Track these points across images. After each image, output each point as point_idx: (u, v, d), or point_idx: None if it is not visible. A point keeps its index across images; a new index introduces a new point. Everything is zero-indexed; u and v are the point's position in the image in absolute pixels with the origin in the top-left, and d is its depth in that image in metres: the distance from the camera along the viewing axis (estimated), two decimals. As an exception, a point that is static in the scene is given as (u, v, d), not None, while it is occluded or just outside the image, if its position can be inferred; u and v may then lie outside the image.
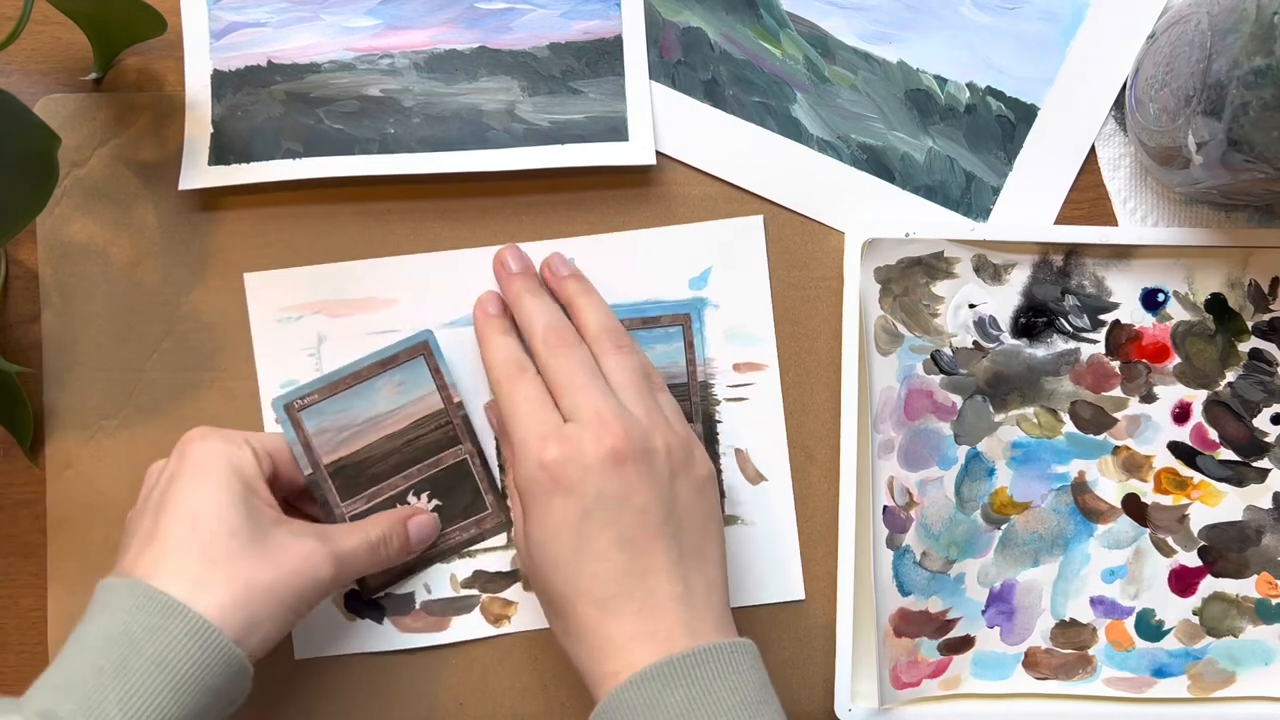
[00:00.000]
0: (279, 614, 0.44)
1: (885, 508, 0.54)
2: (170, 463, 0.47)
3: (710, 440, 0.54)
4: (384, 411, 0.52)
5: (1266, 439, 0.55)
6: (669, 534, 0.44)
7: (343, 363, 0.53)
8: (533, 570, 0.45)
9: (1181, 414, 0.55)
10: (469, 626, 0.54)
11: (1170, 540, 0.55)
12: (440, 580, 0.54)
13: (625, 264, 0.54)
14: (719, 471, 0.54)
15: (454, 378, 0.53)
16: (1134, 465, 0.55)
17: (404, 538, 0.50)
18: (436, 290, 0.54)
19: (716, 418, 0.54)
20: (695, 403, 0.54)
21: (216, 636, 0.41)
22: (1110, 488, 0.55)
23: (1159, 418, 0.55)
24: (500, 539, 0.54)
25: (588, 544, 0.43)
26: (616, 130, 0.54)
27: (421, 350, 0.53)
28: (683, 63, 0.55)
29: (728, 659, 0.42)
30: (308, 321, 0.54)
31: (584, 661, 0.43)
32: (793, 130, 0.55)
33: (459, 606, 0.54)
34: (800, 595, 0.54)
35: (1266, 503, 0.55)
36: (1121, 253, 0.55)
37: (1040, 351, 0.55)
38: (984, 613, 0.55)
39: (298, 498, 0.52)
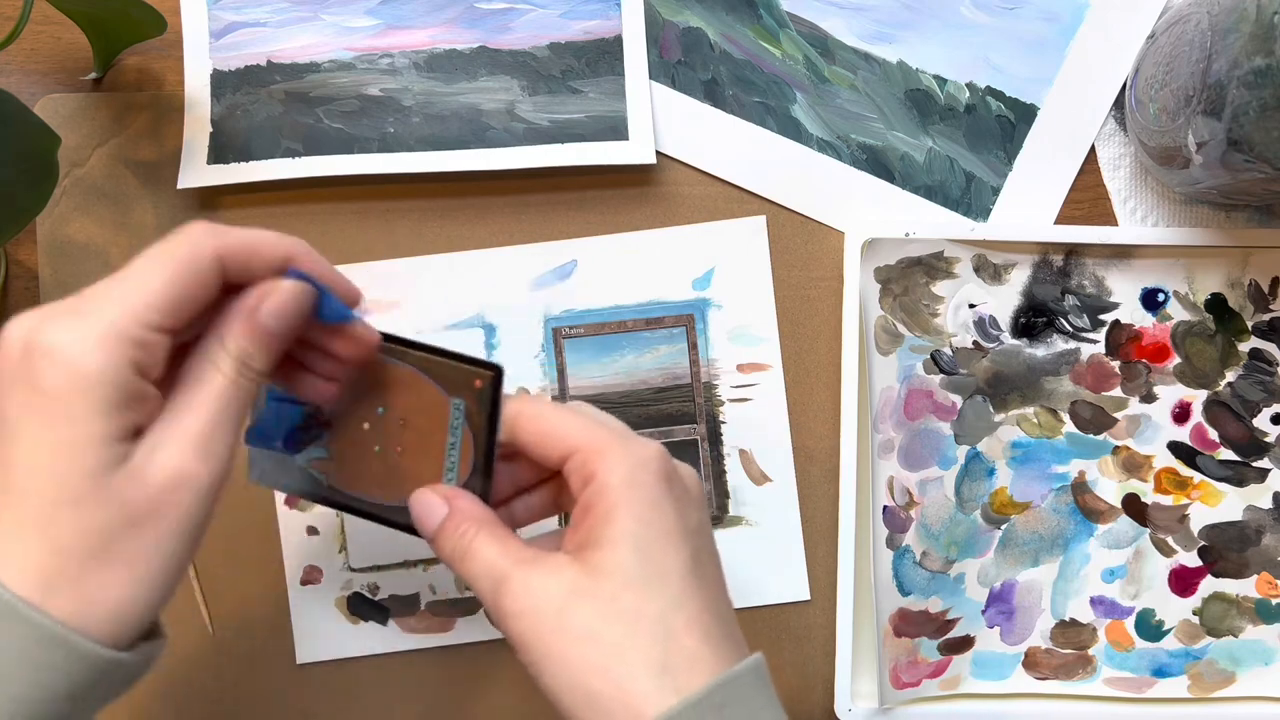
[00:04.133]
0: (161, 573, 0.33)
1: (885, 508, 0.54)
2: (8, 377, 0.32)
3: (715, 441, 0.54)
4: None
5: (1266, 439, 0.55)
6: None
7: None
8: None
9: (1181, 414, 0.55)
10: (473, 628, 0.54)
11: (1170, 540, 0.55)
12: (445, 581, 0.54)
13: (628, 265, 0.54)
14: (724, 473, 0.54)
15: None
16: (1134, 465, 0.55)
17: (259, 333, 0.35)
18: (439, 292, 0.54)
19: (720, 419, 0.54)
20: (699, 404, 0.54)
21: (75, 644, 0.31)
22: (1110, 488, 0.55)
23: (1159, 418, 0.55)
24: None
25: None
26: (616, 130, 0.54)
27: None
28: (683, 63, 0.55)
29: None
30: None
31: None
32: (793, 130, 0.55)
33: (464, 608, 0.54)
34: (805, 596, 0.54)
35: (1266, 503, 0.55)
36: (1121, 253, 0.55)
37: (1040, 351, 0.55)
38: (984, 613, 0.55)
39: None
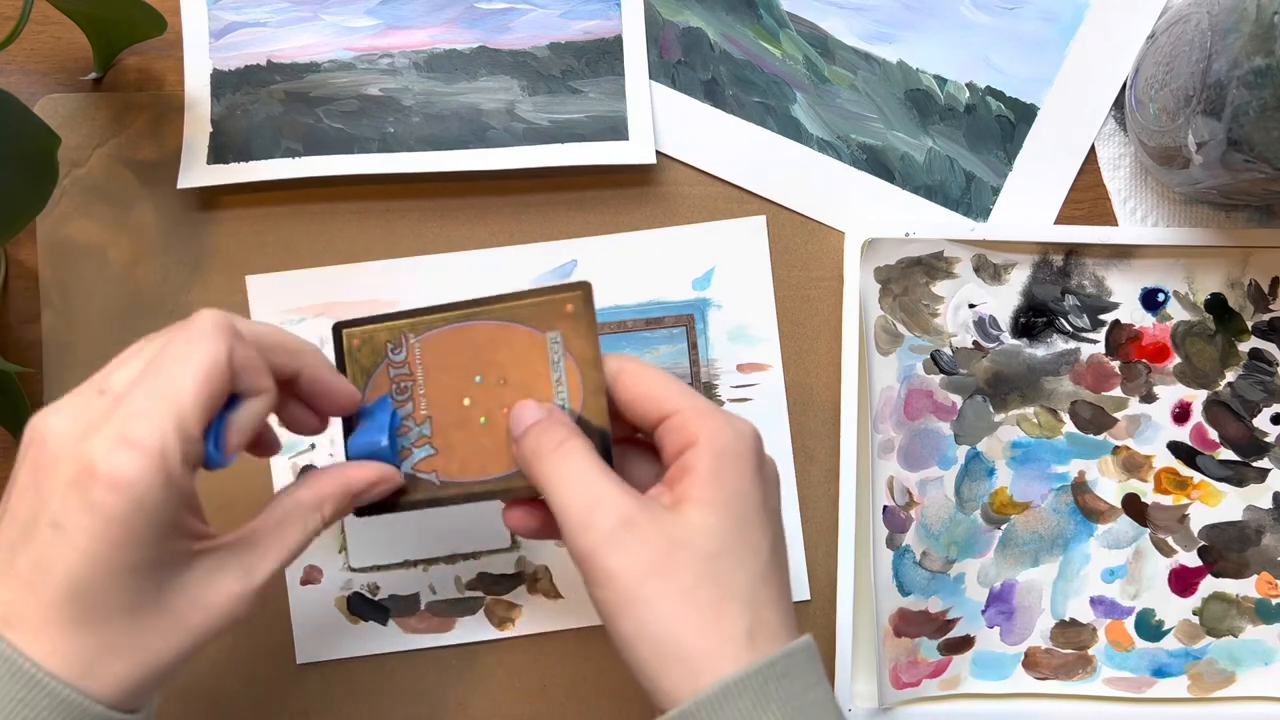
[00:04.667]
0: (181, 667, 0.36)
1: (885, 508, 0.54)
2: (32, 486, 0.34)
3: (713, 441, 0.54)
4: None
5: (1266, 439, 0.55)
6: None
7: None
8: None
9: (1181, 414, 0.55)
10: (473, 628, 0.54)
11: (1170, 540, 0.55)
12: (445, 581, 0.54)
13: (628, 265, 0.54)
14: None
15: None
16: (1134, 465, 0.55)
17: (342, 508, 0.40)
18: (439, 293, 0.54)
19: (720, 419, 0.54)
20: (698, 404, 0.54)
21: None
22: (1110, 488, 0.55)
23: (1159, 418, 0.55)
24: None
25: None
26: (616, 129, 0.54)
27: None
28: (683, 63, 0.55)
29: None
30: (310, 324, 0.54)
31: None
32: (793, 130, 0.55)
33: (464, 608, 0.54)
34: (805, 595, 0.54)
35: (1266, 503, 0.55)
36: (1121, 253, 0.55)
37: (1040, 351, 0.55)
38: (984, 613, 0.55)
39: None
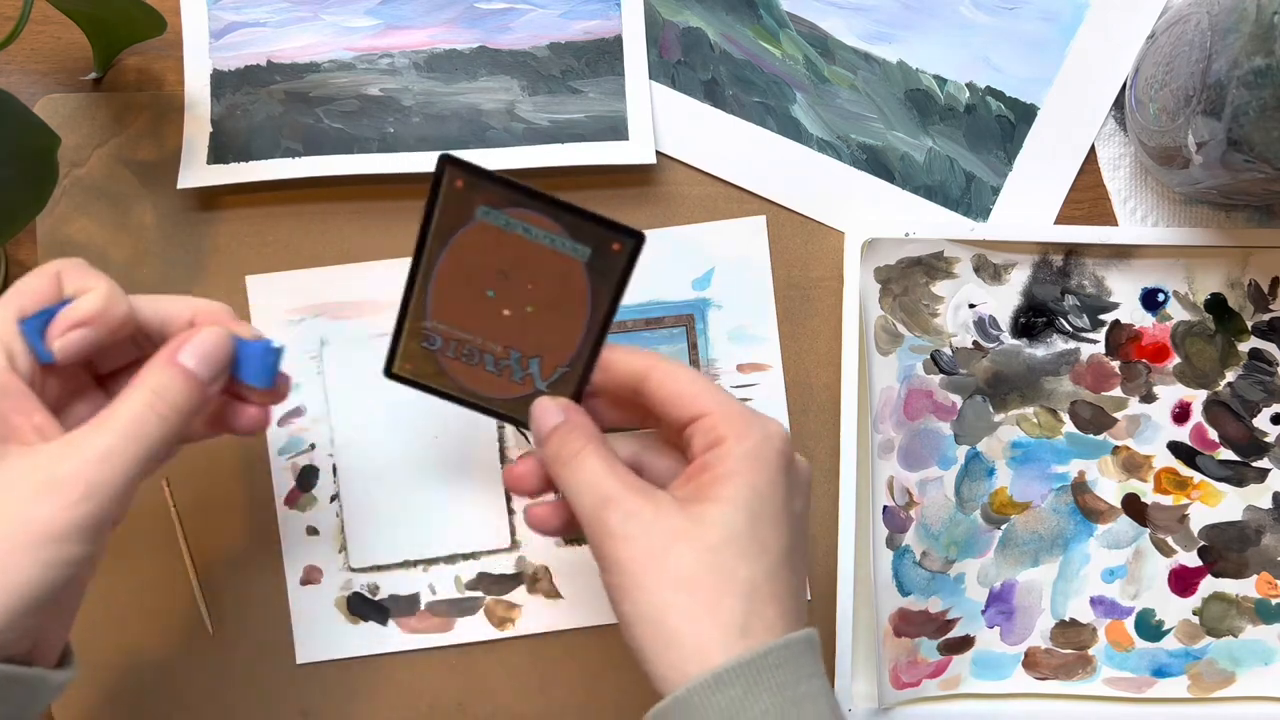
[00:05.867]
0: (35, 593, 0.34)
1: (885, 508, 0.54)
2: None
3: (713, 441, 0.54)
4: None
5: (1266, 439, 0.55)
6: None
7: (348, 367, 0.52)
8: None
9: (1181, 414, 0.55)
10: (473, 628, 0.54)
11: (1170, 540, 0.55)
12: (445, 581, 0.54)
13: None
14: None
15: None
16: (1134, 465, 0.55)
17: (186, 389, 0.38)
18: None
19: (719, 419, 0.54)
20: (698, 404, 0.54)
21: None
22: (1110, 488, 0.55)
23: (1159, 418, 0.55)
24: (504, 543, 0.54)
25: None
26: (616, 129, 0.54)
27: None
28: (683, 63, 0.55)
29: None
30: (310, 325, 0.54)
31: None
32: (793, 130, 0.55)
33: (463, 608, 0.54)
34: (805, 596, 0.54)
35: (1266, 503, 0.55)
36: (1121, 253, 0.55)
37: (1040, 351, 0.55)
38: (984, 613, 0.55)
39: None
